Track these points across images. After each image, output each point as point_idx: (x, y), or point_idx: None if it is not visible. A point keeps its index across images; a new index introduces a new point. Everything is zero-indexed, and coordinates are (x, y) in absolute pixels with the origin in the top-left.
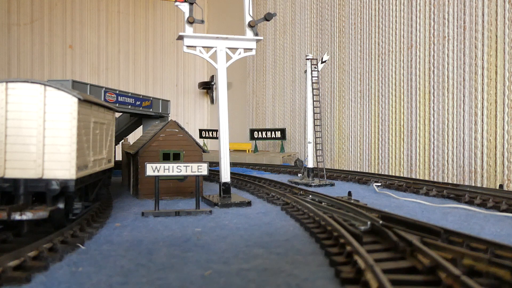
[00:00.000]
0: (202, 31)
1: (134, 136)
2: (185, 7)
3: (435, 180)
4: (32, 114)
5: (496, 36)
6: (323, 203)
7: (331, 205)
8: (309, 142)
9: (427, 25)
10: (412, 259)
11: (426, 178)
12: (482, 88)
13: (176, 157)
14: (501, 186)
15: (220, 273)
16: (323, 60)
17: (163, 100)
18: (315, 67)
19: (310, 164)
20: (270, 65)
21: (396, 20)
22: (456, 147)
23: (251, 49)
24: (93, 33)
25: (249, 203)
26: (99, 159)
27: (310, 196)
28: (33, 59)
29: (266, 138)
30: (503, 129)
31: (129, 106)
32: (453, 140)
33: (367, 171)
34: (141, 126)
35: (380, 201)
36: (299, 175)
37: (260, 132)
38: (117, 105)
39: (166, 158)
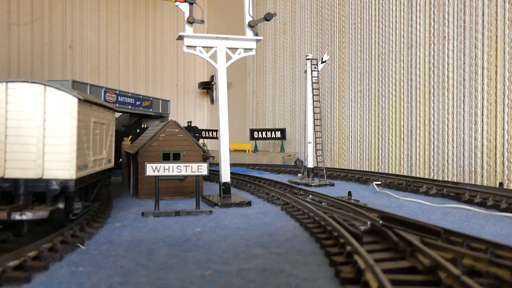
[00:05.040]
0: (202, 31)
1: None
2: (185, 7)
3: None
4: (32, 114)
5: (496, 36)
6: (323, 203)
7: (331, 205)
8: (309, 142)
9: (427, 25)
10: (412, 259)
11: None
12: (482, 88)
13: (176, 157)
14: (501, 184)
15: (220, 273)
16: (323, 60)
17: (163, 100)
18: (315, 67)
19: (310, 164)
20: (270, 65)
21: (396, 20)
22: (456, 147)
23: (251, 49)
24: (93, 33)
25: (249, 203)
26: (99, 159)
27: (310, 196)
28: (33, 59)
29: (266, 138)
30: (503, 129)
31: (129, 106)
32: (453, 140)
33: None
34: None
35: (380, 201)
36: (299, 175)
37: (260, 132)
38: (117, 105)
39: (166, 158)
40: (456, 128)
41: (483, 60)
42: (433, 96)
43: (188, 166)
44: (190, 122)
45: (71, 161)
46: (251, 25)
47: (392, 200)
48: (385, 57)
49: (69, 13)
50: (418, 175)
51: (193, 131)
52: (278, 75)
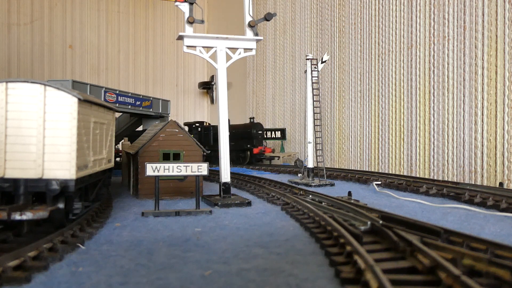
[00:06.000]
0: (202, 31)
1: None
2: (185, 7)
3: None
4: (32, 114)
5: (496, 36)
6: (323, 203)
7: (331, 205)
8: (309, 142)
9: (427, 25)
10: (412, 259)
11: None
12: (482, 88)
13: (176, 157)
14: (501, 184)
15: (220, 273)
16: (323, 60)
17: (163, 100)
18: (315, 67)
19: (310, 164)
20: (270, 65)
21: (396, 20)
22: (456, 147)
23: (251, 49)
24: (93, 33)
25: (249, 203)
26: (99, 159)
27: (310, 196)
28: (33, 59)
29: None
30: (503, 129)
31: (129, 106)
32: (453, 140)
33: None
34: (141, 126)
35: (380, 201)
36: (299, 175)
37: None
38: (117, 105)
39: (166, 158)
40: (456, 128)
41: (483, 60)
42: (433, 96)
43: (188, 166)
44: (253, 118)
45: (71, 161)
46: (251, 25)
47: (392, 200)
48: (385, 57)
49: (69, 13)
50: (418, 175)
51: (255, 129)
52: (278, 75)
